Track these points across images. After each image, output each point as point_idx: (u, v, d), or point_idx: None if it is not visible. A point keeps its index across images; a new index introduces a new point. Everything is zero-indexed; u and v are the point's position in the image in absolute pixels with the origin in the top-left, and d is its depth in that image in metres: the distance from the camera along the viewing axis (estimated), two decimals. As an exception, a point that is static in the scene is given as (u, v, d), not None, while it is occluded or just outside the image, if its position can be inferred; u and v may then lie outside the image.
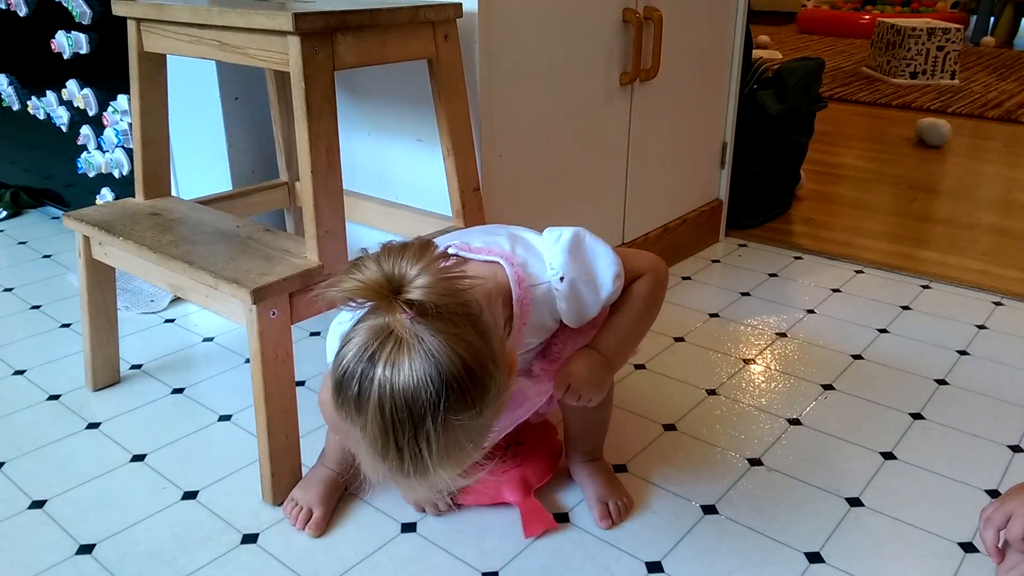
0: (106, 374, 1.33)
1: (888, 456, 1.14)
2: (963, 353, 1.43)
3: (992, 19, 5.33)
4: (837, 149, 2.79)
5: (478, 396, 0.66)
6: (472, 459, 0.69)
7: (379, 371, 0.64)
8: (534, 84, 1.34)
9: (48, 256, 1.87)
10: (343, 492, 1.05)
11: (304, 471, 1.08)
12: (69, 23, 1.68)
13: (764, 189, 2.07)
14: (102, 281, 1.27)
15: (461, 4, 1.15)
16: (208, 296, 1.06)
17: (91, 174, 1.80)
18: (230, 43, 1.07)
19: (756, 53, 4.36)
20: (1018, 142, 2.93)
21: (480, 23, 1.19)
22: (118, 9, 1.21)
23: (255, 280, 1.00)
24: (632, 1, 1.50)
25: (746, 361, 1.41)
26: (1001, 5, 5.27)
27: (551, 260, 0.84)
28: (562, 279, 0.83)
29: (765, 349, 1.46)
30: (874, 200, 2.29)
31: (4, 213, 2.09)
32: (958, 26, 3.86)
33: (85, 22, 1.64)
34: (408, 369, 0.63)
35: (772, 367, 1.39)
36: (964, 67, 4.23)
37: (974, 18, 5.51)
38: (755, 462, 1.13)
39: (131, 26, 1.20)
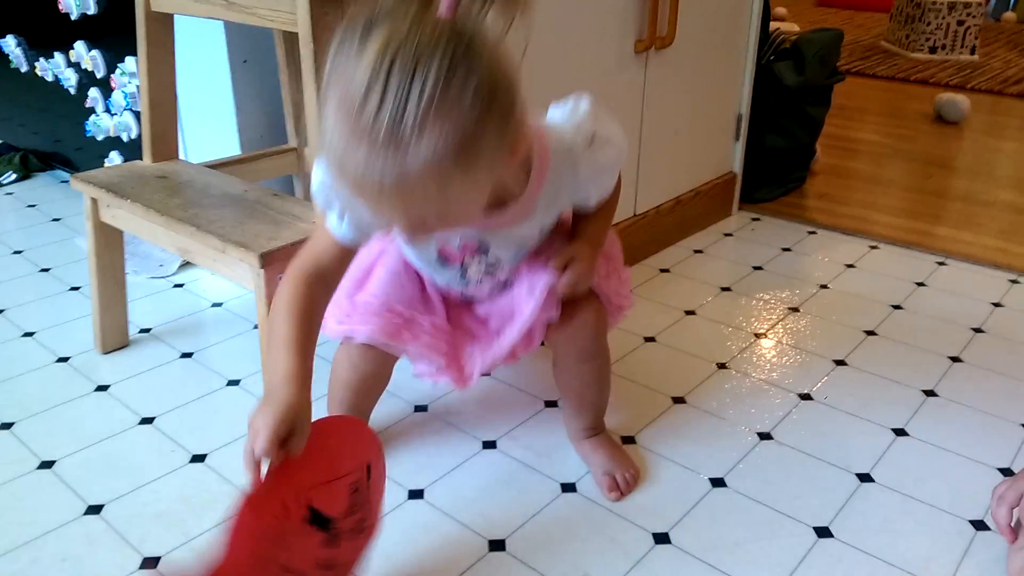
0: (115, 337, 1.33)
1: (900, 432, 1.13)
2: (978, 331, 1.42)
3: (1015, -6, 5.23)
4: (853, 124, 2.75)
5: (489, 99, 0.58)
6: (452, 166, 0.58)
7: (398, 24, 0.56)
8: (547, 51, 1.31)
9: (57, 220, 1.87)
10: None
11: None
12: (77, -17, 1.66)
13: (779, 163, 2.04)
14: (110, 244, 1.26)
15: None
16: (216, 260, 1.05)
17: (99, 137, 1.79)
18: (238, 2, 1.05)
19: (773, 25, 4.29)
20: (1038, 119, 2.88)
21: (494, -14, 1.17)
22: (126, -33, 1.19)
23: (263, 244, 0.99)
24: (649, -34, 1.46)
25: (757, 335, 1.40)
26: (1024, -20, 5.16)
27: (577, 122, 0.83)
28: (592, 138, 0.82)
29: (777, 323, 1.44)
30: (890, 176, 2.25)
31: (14, 176, 2.09)
32: (979, 0, 3.78)
33: (93, -18, 1.62)
34: (431, 33, 0.56)
35: (784, 341, 1.38)
36: (984, 43, 4.15)
37: (996, -7, 5.40)
38: (765, 436, 1.12)
39: (139, -16, 1.18)
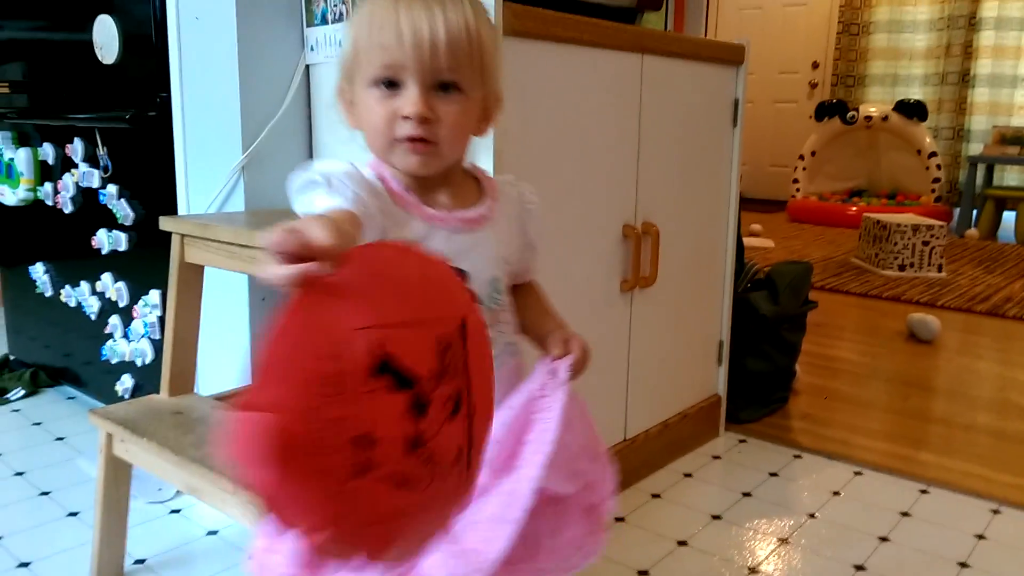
0: (111, 570, 1.34)
1: None
2: (964, 566, 1.44)
3: (975, 212, 5.63)
4: (831, 341, 2.89)
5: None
6: (489, 28, 0.78)
7: None
8: (541, 295, 1.43)
9: (62, 439, 1.91)
10: None
11: None
12: (111, 223, 1.82)
13: (761, 385, 2.14)
14: (119, 478, 1.31)
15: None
16: (224, 501, 1.10)
17: (114, 361, 1.87)
18: (264, 259, 1.17)
19: (748, 241, 4.57)
20: (1007, 338, 3.03)
21: (493, 244, 1.30)
22: (165, 224, 1.33)
23: (272, 489, 1.04)
24: (631, 217, 1.63)
25: (750, 570, 1.42)
26: (982, 200, 5.58)
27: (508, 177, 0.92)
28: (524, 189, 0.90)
29: (768, 556, 1.46)
30: (869, 396, 2.34)
31: (22, 392, 2.15)
32: (941, 223, 4.08)
33: (127, 223, 1.78)
34: None
35: (775, 576, 1.40)
36: (951, 259, 4.42)
37: (957, 210, 5.81)
38: None
39: (175, 240, 1.32)
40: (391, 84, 0.75)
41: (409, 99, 0.75)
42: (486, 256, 0.83)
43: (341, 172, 0.73)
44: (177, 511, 1.58)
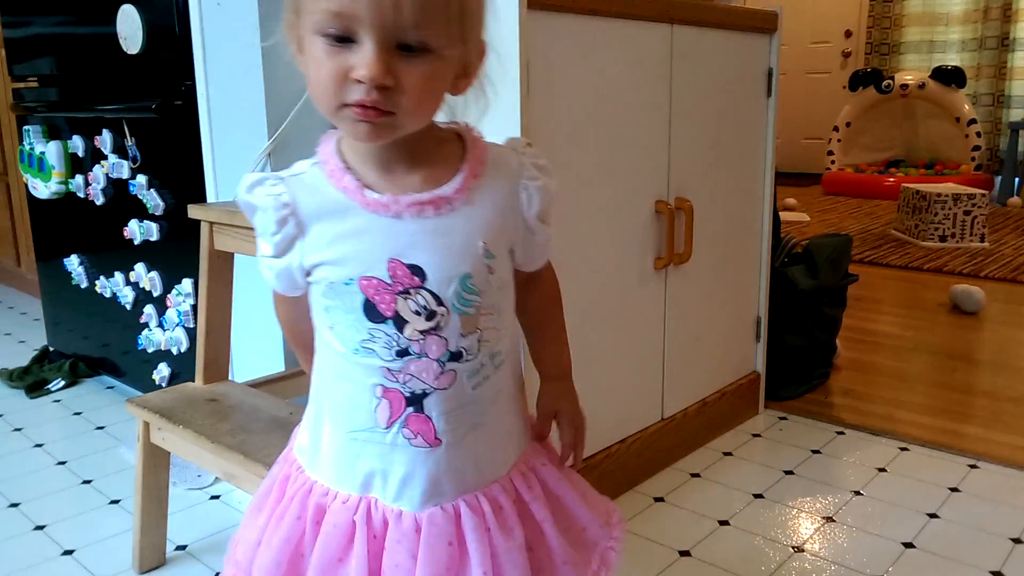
0: (153, 556, 1.35)
1: (949, 660, 1.09)
2: (1017, 541, 1.39)
3: (1017, 180, 5.47)
4: (872, 315, 2.82)
5: None
6: None
7: None
8: (573, 273, 1.41)
9: (102, 427, 1.93)
10: None
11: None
12: (142, 213, 1.83)
13: (801, 361, 2.09)
14: (157, 464, 1.31)
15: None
16: (261, 487, 1.09)
17: (150, 350, 1.89)
18: (294, 247, 1.16)
19: (784, 215, 4.49)
20: (1055, 307, 2.94)
21: (524, 223, 1.28)
22: (193, 212, 1.32)
23: (308, 474, 1.03)
24: (664, 193, 1.59)
25: (795, 549, 1.39)
26: (1024, 167, 5.42)
27: (513, 143, 0.75)
28: (526, 150, 0.73)
29: (813, 535, 1.43)
30: (913, 370, 2.29)
31: (62, 383, 2.19)
32: (983, 192, 3.96)
33: (158, 213, 1.78)
34: None
35: (822, 556, 1.36)
36: (993, 229, 4.30)
37: (999, 179, 5.65)
38: (809, 665, 1.09)
39: (204, 227, 1.31)
40: (342, 38, 0.60)
41: (363, 59, 0.59)
42: (450, 248, 0.67)
43: (260, 219, 0.69)
44: (217, 497, 1.60)
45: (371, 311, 0.66)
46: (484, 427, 0.71)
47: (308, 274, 0.68)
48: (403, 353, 0.66)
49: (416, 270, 0.66)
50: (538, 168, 0.72)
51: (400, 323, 0.66)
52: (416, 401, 0.68)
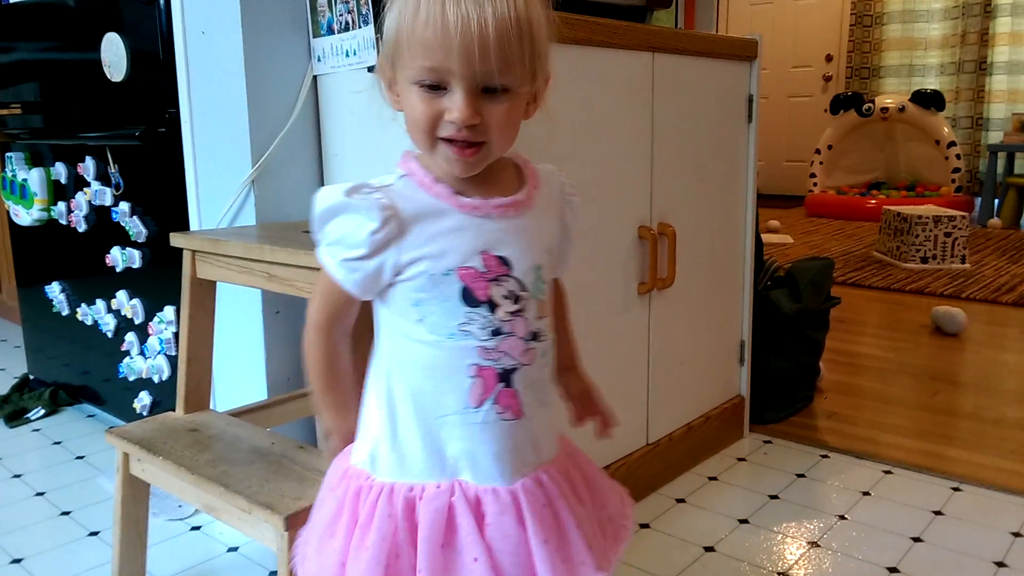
0: (132, 590, 1.32)
1: None
2: (1000, 564, 1.40)
3: (996, 201, 5.54)
4: (855, 337, 2.84)
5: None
6: (540, 16, 0.73)
7: None
8: (557, 300, 1.41)
9: (81, 457, 1.91)
10: None
11: None
12: (125, 240, 1.82)
13: (785, 384, 2.10)
14: (137, 495, 1.30)
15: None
16: (241, 519, 1.08)
17: (131, 378, 1.87)
18: (278, 275, 1.16)
19: (767, 238, 4.52)
20: (1035, 328, 2.96)
21: (507, 250, 1.28)
22: (176, 241, 1.32)
23: (288, 506, 1.02)
24: (647, 218, 1.60)
25: (781, 575, 1.38)
26: (1004, 188, 5.49)
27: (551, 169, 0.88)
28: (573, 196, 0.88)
29: (799, 560, 1.43)
30: (896, 392, 2.30)
31: (42, 411, 2.16)
32: (963, 213, 4.01)
33: (140, 240, 1.77)
34: None
35: (806, 581, 1.36)
36: (974, 250, 4.35)
37: (978, 200, 5.73)
38: None
39: (186, 256, 1.31)
40: (435, 87, 0.71)
41: (455, 104, 0.71)
42: (527, 243, 0.79)
43: (353, 221, 0.74)
44: (197, 528, 1.58)
45: (468, 297, 0.76)
46: (547, 405, 0.82)
47: (398, 273, 0.76)
48: (496, 332, 0.76)
49: (504, 261, 0.77)
50: (573, 189, 0.87)
51: (493, 306, 0.76)
52: (506, 377, 0.77)
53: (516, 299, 0.77)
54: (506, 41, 0.69)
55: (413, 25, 0.70)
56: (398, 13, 0.72)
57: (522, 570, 0.75)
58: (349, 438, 0.83)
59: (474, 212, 0.76)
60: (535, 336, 0.78)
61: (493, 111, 0.72)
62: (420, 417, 0.77)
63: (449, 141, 0.73)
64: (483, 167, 0.76)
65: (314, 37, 1.50)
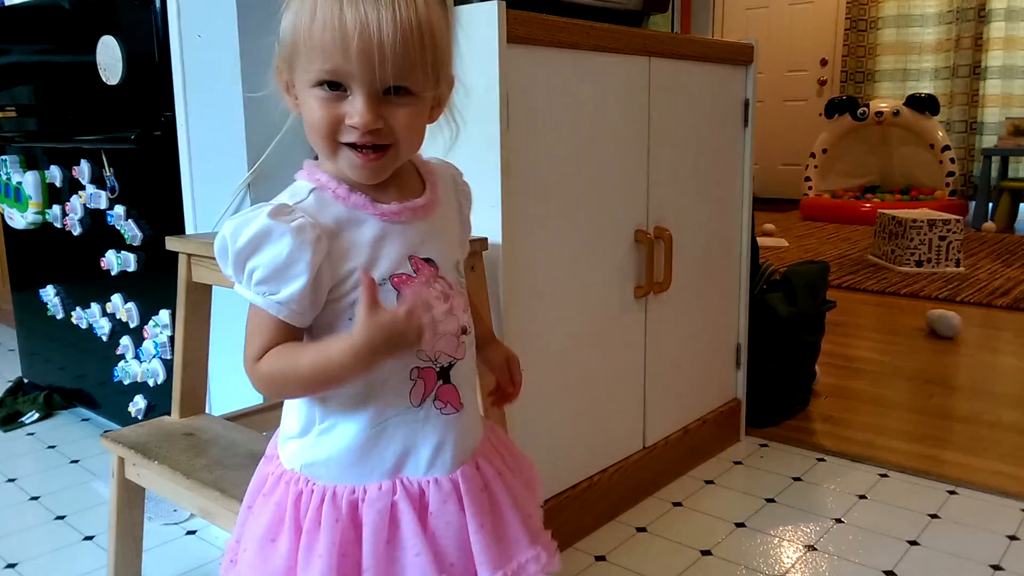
0: (127, 595, 1.32)
1: None
2: (996, 567, 1.40)
3: (991, 205, 5.56)
4: (850, 340, 2.84)
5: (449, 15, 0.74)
6: (442, 17, 0.72)
7: None
8: (553, 303, 1.41)
9: (76, 461, 1.90)
10: None
11: None
12: (120, 244, 1.81)
13: (781, 387, 2.10)
14: (132, 500, 1.29)
15: (487, 239, 1.25)
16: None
17: (126, 382, 1.86)
18: (273, 279, 1.16)
19: (763, 241, 4.53)
20: (1030, 331, 2.97)
21: (504, 253, 1.28)
22: (171, 244, 1.32)
23: (285, 510, 1.02)
24: (643, 222, 1.60)
25: (775, 578, 1.38)
26: (998, 192, 5.51)
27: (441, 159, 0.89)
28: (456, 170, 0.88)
29: (796, 564, 1.43)
30: (892, 396, 2.30)
31: (36, 415, 2.15)
32: (957, 217, 4.02)
33: (135, 244, 1.77)
34: None
35: (802, 585, 1.36)
36: (968, 253, 4.36)
37: (973, 204, 5.75)
38: None
39: (182, 259, 1.30)
40: (335, 86, 0.70)
41: (356, 109, 0.70)
42: (444, 240, 0.81)
43: (283, 246, 0.70)
44: (193, 532, 1.57)
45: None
46: (474, 391, 0.83)
47: (331, 291, 0.74)
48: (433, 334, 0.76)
49: (430, 262, 0.78)
50: (463, 179, 0.88)
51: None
52: (444, 374, 0.78)
53: (446, 298, 0.78)
54: (407, 44, 0.69)
55: (310, 28, 0.69)
56: (295, 14, 0.71)
57: (464, 554, 0.77)
58: (375, 323, 0.68)
59: (394, 218, 0.76)
60: (465, 331, 0.80)
61: (396, 115, 0.71)
62: (360, 423, 0.76)
63: (352, 147, 0.72)
64: (390, 172, 0.76)
65: (310, 41, 1.50)
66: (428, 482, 0.77)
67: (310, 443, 0.77)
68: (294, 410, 0.79)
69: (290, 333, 0.74)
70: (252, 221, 0.71)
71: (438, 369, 0.78)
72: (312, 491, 0.76)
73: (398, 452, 0.77)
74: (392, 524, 0.75)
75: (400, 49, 0.68)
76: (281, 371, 0.72)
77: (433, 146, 0.83)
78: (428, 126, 0.78)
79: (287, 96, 0.77)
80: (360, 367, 0.69)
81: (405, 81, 0.70)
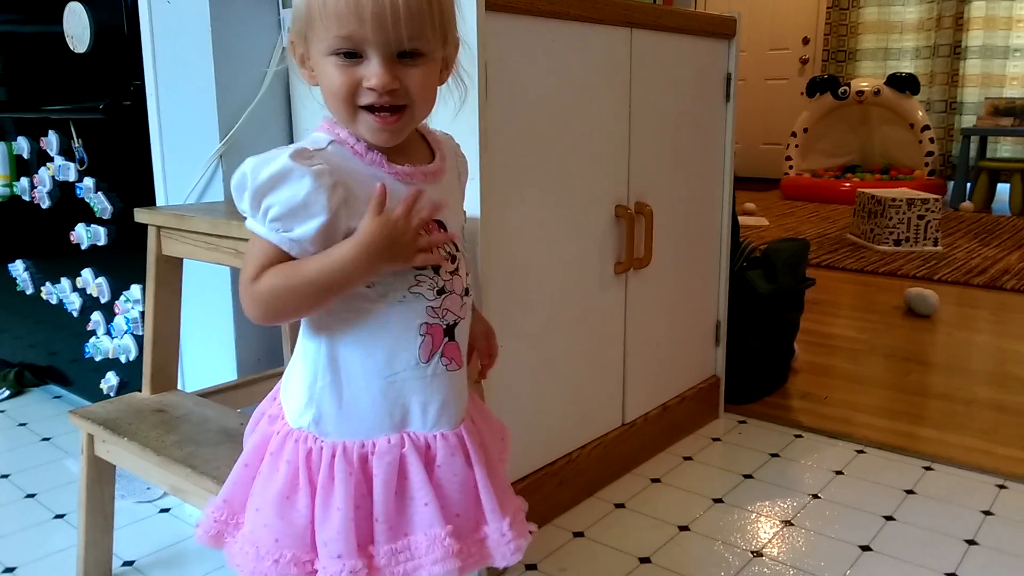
0: (98, 573, 1.30)
1: (906, 664, 1.10)
2: (971, 543, 1.41)
3: (969, 185, 5.59)
4: (828, 318, 2.86)
5: None
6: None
7: None
8: (533, 278, 1.40)
9: (47, 439, 1.87)
10: None
11: None
12: (89, 217, 1.77)
13: (760, 365, 2.10)
14: (102, 477, 1.27)
15: (465, 212, 1.23)
16: (207, 501, 1.06)
17: (98, 358, 1.83)
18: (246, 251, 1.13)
19: (743, 220, 4.53)
20: (1005, 310, 3.00)
21: (482, 228, 1.26)
22: (140, 216, 1.28)
23: (258, 487, 1.00)
24: (624, 197, 1.59)
25: (754, 553, 1.39)
26: (976, 172, 5.54)
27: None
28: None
29: (772, 539, 1.43)
30: (869, 373, 2.31)
31: (7, 392, 2.11)
32: (936, 196, 4.04)
33: (105, 217, 1.73)
34: None
35: (781, 560, 1.36)
36: (946, 232, 4.39)
37: (951, 184, 5.78)
38: (768, 672, 1.08)
39: (151, 232, 1.27)
40: (351, 55, 0.73)
41: (373, 71, 0.73)
42: (452, 205, 0.84)
43: (301, 187, 0.71)
44: (166, 510, 1.55)
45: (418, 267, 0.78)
46: (466, 356, 0.85)
47: (347, 236, 0.75)
48: (441, 292, 0.80)
49: (441, 224, 0.80)
50: (463, 152, 0.90)
51: (437, 267, 0.79)
52: (450, 331, 0.81)
53: (453, 259, 0.82)
54: (416, 6, 0.72)
55: None
56: None
57: (468, 504, 0.82)
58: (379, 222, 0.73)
59: (407, 179, 0.79)
60: (467, 291, 0.84)
61: (410, 75, 0.74)
62: (369, 377, 0.78)
63: (370, 110, 0.74)
64: (407, 134, 0.78)
65: (284, 7, 1.46)
66: (435, 436, 0.80)
67: (318, 400, 0.79)
68: (300, 368, 0.81)
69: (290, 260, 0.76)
70: (274, 160, 0.72)
71: (444, 327, 0.80)
72: (322, 448, 0.78)
73: (405, 407, 0.79)
74: (401, 476, 0.79)
75: (411, 11, 0.71)
76: (284, 281, 0.73)
77: (444, 110, 0.84)
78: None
79: (303, 70, 0.79)
80: (361, 266, 0.73)
81: (417, 43, 0.73)
